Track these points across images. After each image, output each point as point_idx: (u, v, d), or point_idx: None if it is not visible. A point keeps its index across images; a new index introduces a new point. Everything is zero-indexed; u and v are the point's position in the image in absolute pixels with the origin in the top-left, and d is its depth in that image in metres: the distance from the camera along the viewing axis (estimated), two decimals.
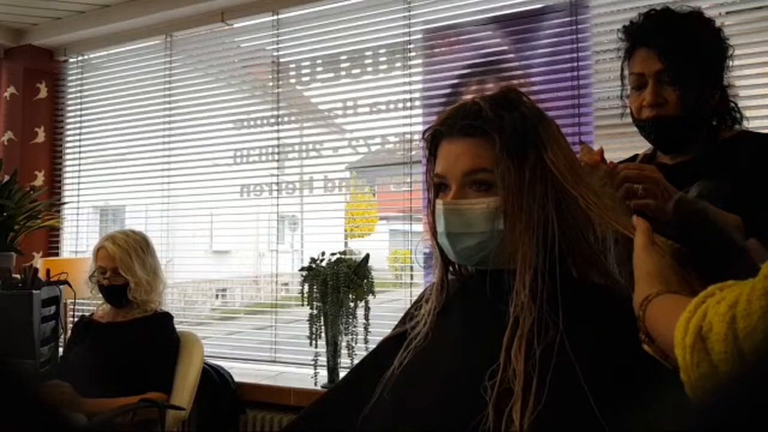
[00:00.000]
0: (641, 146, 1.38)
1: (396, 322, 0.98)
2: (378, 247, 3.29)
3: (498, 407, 0.71)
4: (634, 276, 0.75)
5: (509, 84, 0.89)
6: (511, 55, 2.39)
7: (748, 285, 0.51)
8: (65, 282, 2.36)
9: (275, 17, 2.87)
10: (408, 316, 0.95)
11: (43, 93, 3.50)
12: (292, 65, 2.89)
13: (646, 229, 0.78)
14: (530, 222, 0.79)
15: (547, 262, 0.78)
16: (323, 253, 2.35)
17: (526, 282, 0.77)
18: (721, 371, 0.49)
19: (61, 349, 2.31)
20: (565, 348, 0.72)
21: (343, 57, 2.76)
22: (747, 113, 1.27)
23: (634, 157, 1.36)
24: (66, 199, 3.48)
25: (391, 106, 2.62)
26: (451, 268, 0.92)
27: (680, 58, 1.15)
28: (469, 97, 0.90)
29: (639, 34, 1.22)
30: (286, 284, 3.09)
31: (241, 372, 2.58)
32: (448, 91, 2.50)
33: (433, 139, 0.89)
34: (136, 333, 2.07)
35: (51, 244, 3.48)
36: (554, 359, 0.72)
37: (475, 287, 0.86)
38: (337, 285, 2.21)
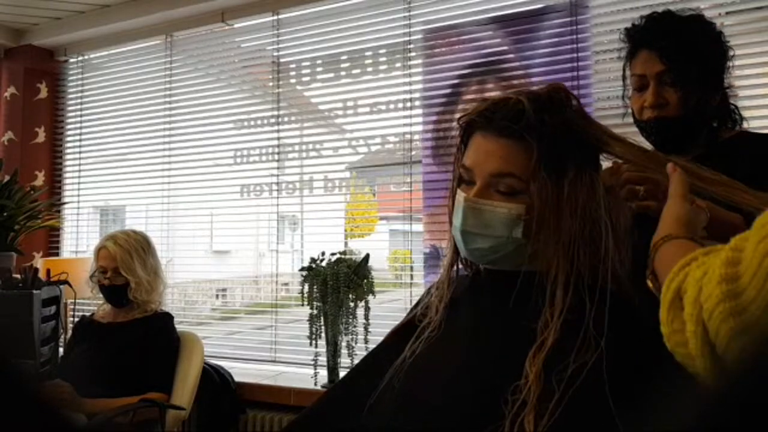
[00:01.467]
0: None
1: (396, 323, 0.98)
2: (378, 247, 3.29)
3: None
4: (660, 219, 0.74)
5: (557, 83, 0.86)
6: (512, 56, 2.39)
7: (719, 254, 0.54)
8: (65, 282, 2.35)
9: (275, 17, 2.87)
10: (419, 303, 0.95)
11: (44, 93, 3.50)
12: (292, 65, 2.89)
13: (684, 179, 0.76)
14: (565, 238, 0.77)
15: (572, 276, 0.76)
16: (323, 253, 2.35)
17: (557, 300, 0.75)
18: (688, 330, 0.55)
19: (61, 349, 2.31)
20: (588, 363, 0.71)
21: (343, 57, 2.76)
22: (747, 113, 1.27)
23: None
24: (66, 199, 3.48)
25: (391, 106, 2.62)
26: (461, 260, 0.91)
27: (681, 59, 1.15)
28: (499, 93, 0.89)
29: (641, 36, 1.22)
30: (286, 284, 3.08)
31: (241, 372, 2.58)
32: (448, 91, 2.50)
33: (468, 126, 0.86)
34: (137, 333, 2.06)
35: (51, 244, 3.48)
36: (570, 372, 0.70)
37: (486, 285, 0.86)
38: (337, 285, 2.21)
